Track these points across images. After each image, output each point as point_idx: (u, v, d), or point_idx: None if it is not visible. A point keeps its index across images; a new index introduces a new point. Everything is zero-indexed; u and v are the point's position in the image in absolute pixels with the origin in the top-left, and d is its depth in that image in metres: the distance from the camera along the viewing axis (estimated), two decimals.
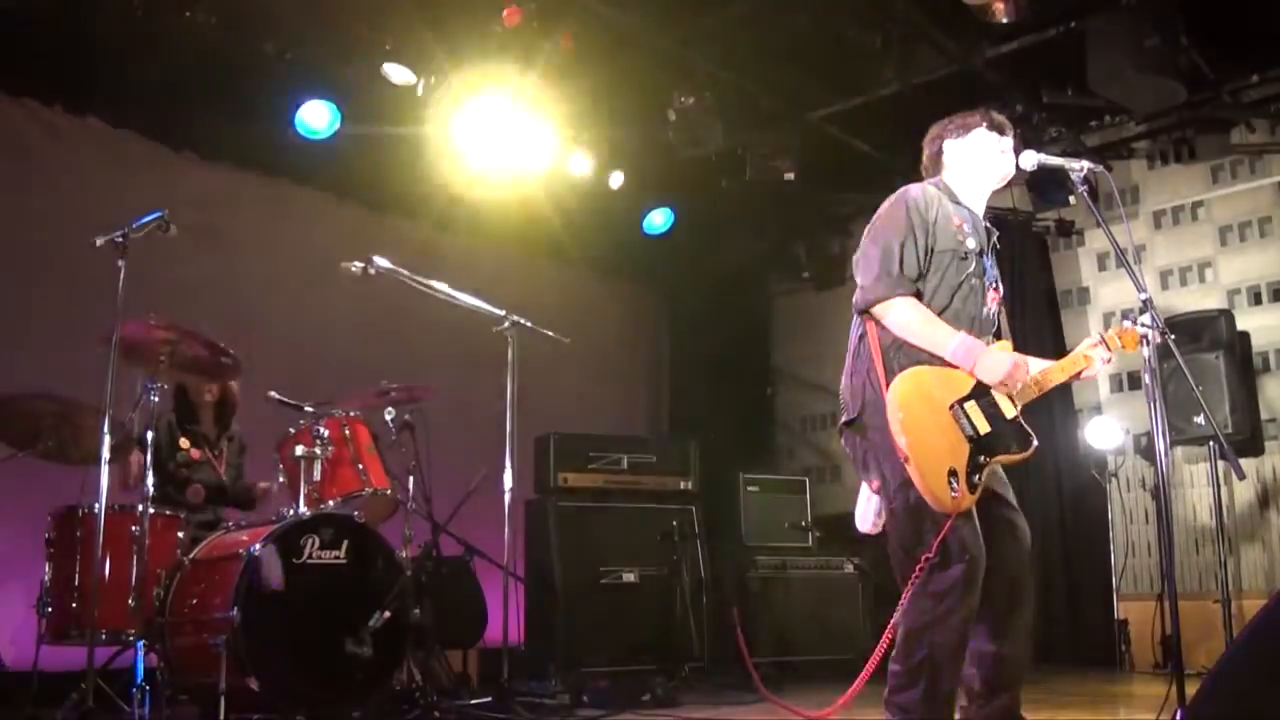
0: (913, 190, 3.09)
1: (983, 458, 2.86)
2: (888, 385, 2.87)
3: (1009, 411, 2.94)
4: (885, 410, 2.85)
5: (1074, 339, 7.01)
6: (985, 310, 3.06)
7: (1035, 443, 2.96)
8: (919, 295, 2.97)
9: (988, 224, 3.20)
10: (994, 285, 3.11)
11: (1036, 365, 3.13)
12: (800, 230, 8.06)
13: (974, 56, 5.88)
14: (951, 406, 2.87)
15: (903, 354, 2.92)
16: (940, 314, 2.97)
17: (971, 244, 3.05)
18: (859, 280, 3.03)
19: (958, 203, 3.14)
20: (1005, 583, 2.93)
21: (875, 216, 3.09)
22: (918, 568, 2.78)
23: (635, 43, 5.80)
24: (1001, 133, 3.17)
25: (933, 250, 3.00)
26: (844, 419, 3.05)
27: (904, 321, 2.93)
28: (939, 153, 3.22)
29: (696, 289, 8.45)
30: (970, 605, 2.81)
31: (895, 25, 5.58)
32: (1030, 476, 6.85)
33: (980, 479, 2.84)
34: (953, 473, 2.79)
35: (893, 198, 3.10)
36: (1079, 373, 3.12)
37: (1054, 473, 6.84)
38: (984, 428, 2.88)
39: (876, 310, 2.96)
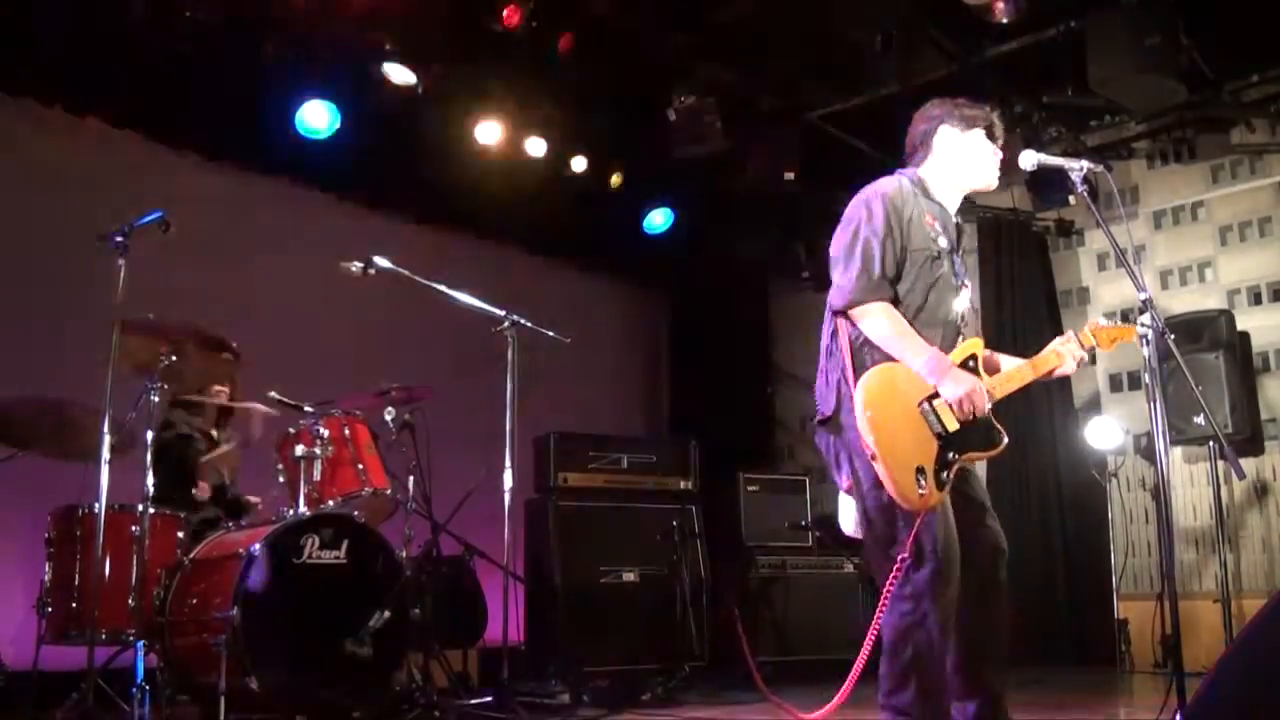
0: (888, 186, 3.04)
1: (952, 455, 2.85)
2: (857, 382, 2.86)
3: None
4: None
5: None
6: (957, 308, 3.04)
7: (1005, 440, 2.95)
8: (896, 298, 2.94)
9: (957, 220, 3.16)
10: (963, 282, 3.08)
11: (1010, 363, 3.13)
12: (800, 230, 8.05)
13: (974, 56, 5.88)
14: (920, 404, 2.85)
15: (875, 351, 2.90)
16: (916, 313, 2.95)
17: (943, 243, 3.02)
18: (836, 278, 2.98)
19: (930, 198, 3.09)
20: (975, 584, 2.92)
21: (849, 213, 3.03)
22: (894, 569, 2.78)
23: (635, 43, 5.81)
24: (996, 143, 3.13)
25: (906, 250, 2.96)
26: (818, 417, 3.03)
27: (878, 329, 2.89)
28: (933, 134, 3.14)
29: (696, 289, 8.45)
30: (948, 601, 2.80)
31: (895, 25, 5.57)
32: (1030, 476, 6.86)
33: (949, 476, 2.83)
34: (920, 470, 2.77)
35: (867, 193, 3.04)
36: (1051, 370, 3.11)
37: (1054, 473, 6.84)
38: (953, 425, 2.86)
39: (853, 313, 2.93)
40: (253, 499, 4.87)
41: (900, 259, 2.96)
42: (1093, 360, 6.88)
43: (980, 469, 3.09)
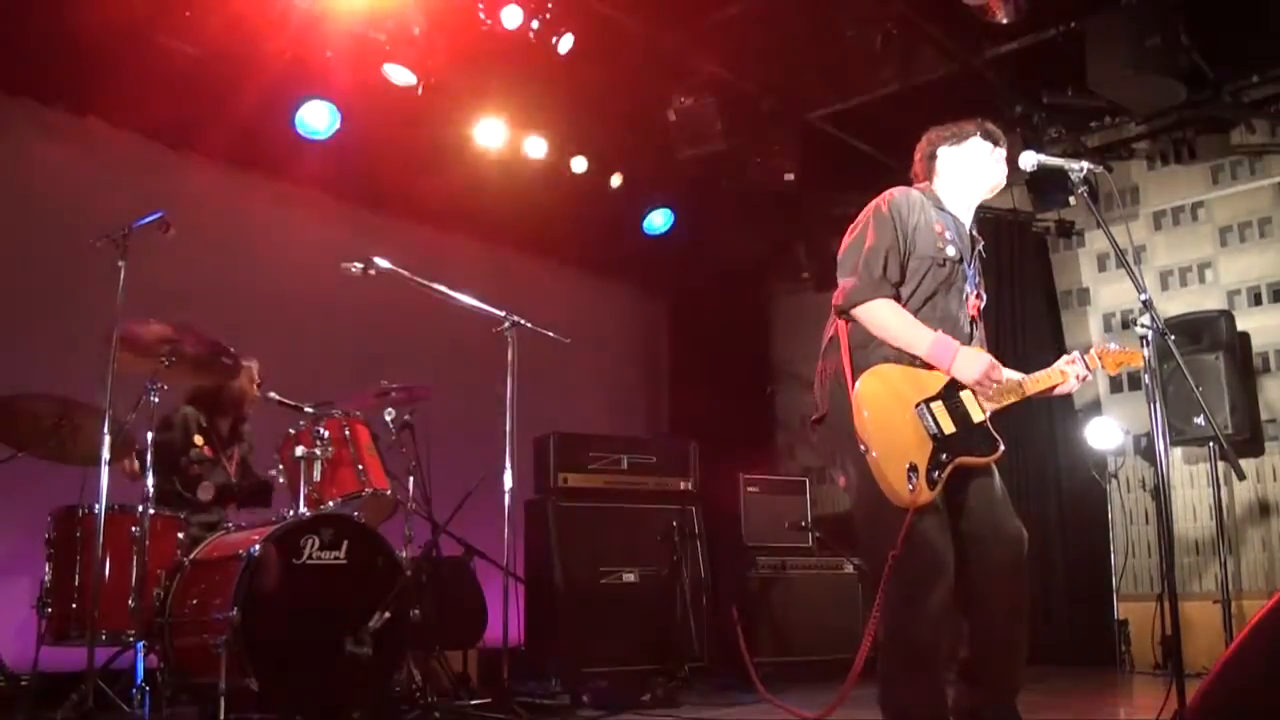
0: (897, 194, 3.12)
1: (945, 456, 2.88)
2: (855, 383, 2.91)
3: (976, 415, 2.96)
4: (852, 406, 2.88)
5: (1074, 340, 7.01)
6: (961, 318, 3.08)
7: (1002, 447, 2.98)
8: (897, 298, 3.00)
9: (973, 232, 3.22)
10: (975, 293, 3.14)
11: (1010, 376, 3.14)
12: (800, 230, 8.05)
13: (974, 56, 5.88)
14: (917, 405, 2.91)
15: (872, 352, 2.96)
16: (915, 315, 3.00)
17: (951, 252, 3.07)
18: (841, 280, 3.05)
19: (942, 209, 3.16)
20: (998, 574, 2.94)
21: (860, 217, 3.12)
22: (885, 566, 2.80)
23: (635, 43, 5.80)
24: (996, 143, 3.20)
25: (910, 256, 3.03)
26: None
27: (883, 322, 2.96)
28: (933, 158, 3.24)
29: (696, 289, 8.45)
30: (939, 596, 2.82)
31: (895, 25, 5.58)
32: (1030, 477, 6.86)
33: (941, 476, 2.86)
34: (912, 468, 2.82)
35: (877, 200, 3.13)
36: (1053, 387, 3.14)
37: (1054, 473, 6.84)
38: (948, 428, 2.90)
39: (857, 311, 2.99)
40: (271, 473, 4.80)
41: (903, 264, 3.02)
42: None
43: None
